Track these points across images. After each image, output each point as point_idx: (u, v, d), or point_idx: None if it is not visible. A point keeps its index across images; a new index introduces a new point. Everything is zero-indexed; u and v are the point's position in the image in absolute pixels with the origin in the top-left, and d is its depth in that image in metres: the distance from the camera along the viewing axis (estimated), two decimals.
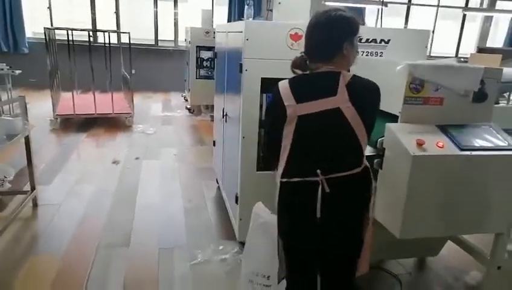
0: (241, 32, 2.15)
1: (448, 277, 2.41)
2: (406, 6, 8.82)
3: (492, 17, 9.43)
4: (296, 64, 1.43)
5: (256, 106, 2.21)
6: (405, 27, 8.48)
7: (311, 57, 1.41)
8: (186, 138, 5.25)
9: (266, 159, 1.68)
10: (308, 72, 1.42)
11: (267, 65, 2.15)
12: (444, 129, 1.76)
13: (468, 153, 1.63)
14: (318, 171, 1.33)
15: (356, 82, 1.35)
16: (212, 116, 6.21)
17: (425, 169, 1.61)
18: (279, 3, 2.36)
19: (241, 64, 2.17)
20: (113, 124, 5.56)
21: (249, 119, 2.22)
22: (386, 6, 6.35)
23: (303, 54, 1.43)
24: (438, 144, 1.65)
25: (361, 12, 7.91)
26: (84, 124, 5.45)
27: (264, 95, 2.21)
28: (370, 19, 8.17)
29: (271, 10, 6.08)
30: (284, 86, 1.39)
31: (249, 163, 2.30)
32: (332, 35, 1.37)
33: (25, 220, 2.85)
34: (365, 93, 1.37)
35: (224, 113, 2.81)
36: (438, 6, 7.62)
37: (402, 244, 1.95)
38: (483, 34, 9.71)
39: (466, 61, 2.94)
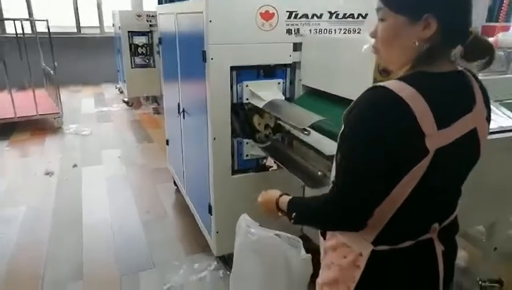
0: (201, 12, 1.77)
1: None
2: None
3: None
4: (425, 57, 0.85)
5: (227, 102, 1.87)
6: None
7: (446, 39, 0.84)
8: (129, 135, 4.70)
9: (344, 216, 0.88)
10: (431, 71, 0.86)
11: (236, 51, 1.80)
12: None
13: None
14: (436, 224, 0.92)
15: (482, 84, 0.94)
16: (154, 109, 5.70)
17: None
18: None
19: (204, 52, 1.80)
20: (39, 127, 4.82)
21: (219, 118, 1.88)
22: None
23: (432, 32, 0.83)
24: None
25: None
26: (3, 131, 4.63)
27: (235, 86, 1.88)
28: None
29: None
30: (416, 99, 0.79)
31: (223, 167, 1.97)
32: None
33: None
34: (489, 101, 0.95)
35: (181, 109, 2.42)
36: None
37: None
38: None
39: None
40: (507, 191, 1.77)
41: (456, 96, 0.87)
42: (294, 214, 1.02)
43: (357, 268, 0.93)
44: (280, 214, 1.12)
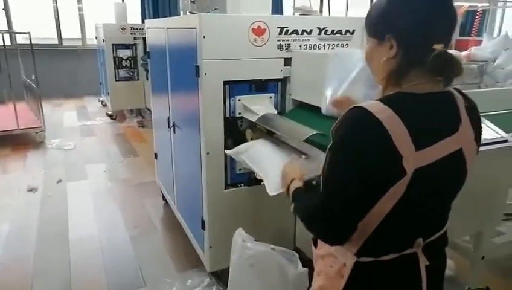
0: (194, 28, 1.79)
1: None
2: None
3: None
4: (394, 74, 0.90)
5: (220, 116, 1.88)
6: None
7: (407, 57, 0.88)
8: (114, 149, 4.63)
9: (325, 230, 0.91)
10: (408, 91, 0.88)
11: (229, 66, 1.82)
12: None
13: None
14: (420, 239, 0.94)
15: (472, 104, 0.95)
16: (139, 122, 5.64)
17: None
18: None
19: (197, 67, 1.81)
20: (20, 142, 4.69)
21: (212, 132, 1.88)
22: None
23: (398, 53, 0.88)
24: None
25: None
26: None
27: (228, 101, 1.89)
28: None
29: (193, 2, 5.61)
30: (393, 121, 0.81)
31: (216, 181, 1.97)
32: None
33: None
34: (479, 121, 0.96)
35: (172, 123, 2.42)
36: None
37: None
38: None
39: None
40: (492, 201, 1.84)
41: (437, 117, 0.88)
42: (293, 205, 1.06)
43: (341, 278, 0.96)
44: (286, 194, 1.17)
